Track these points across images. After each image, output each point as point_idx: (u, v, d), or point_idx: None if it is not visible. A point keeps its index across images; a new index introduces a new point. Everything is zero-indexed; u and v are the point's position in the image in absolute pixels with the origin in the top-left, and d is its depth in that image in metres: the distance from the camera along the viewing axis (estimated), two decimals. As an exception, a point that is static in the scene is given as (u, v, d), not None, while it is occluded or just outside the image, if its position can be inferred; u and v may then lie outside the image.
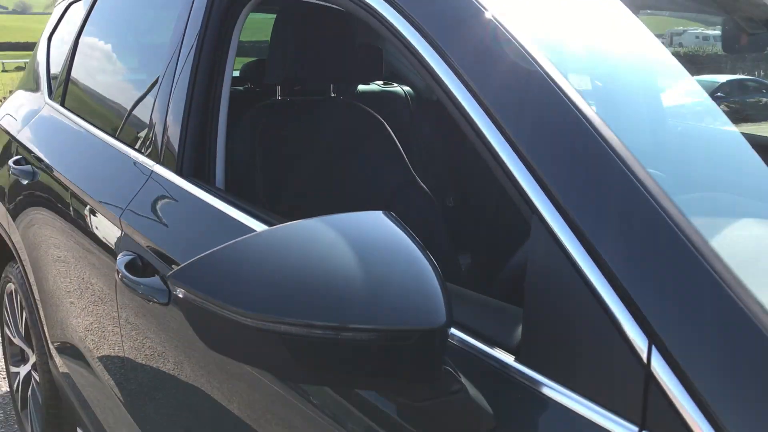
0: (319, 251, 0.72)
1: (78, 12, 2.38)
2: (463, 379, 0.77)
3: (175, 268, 1.06)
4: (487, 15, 0.94)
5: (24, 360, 2.69)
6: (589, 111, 0.82)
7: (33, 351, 2.50)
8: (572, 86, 0.85)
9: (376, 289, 0.70)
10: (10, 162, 2.30)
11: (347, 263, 0.71)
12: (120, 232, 1.54)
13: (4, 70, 47.35)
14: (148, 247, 1.42)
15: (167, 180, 1.48)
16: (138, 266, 1.42)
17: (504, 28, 0.92)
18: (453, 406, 0.75)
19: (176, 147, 1.48)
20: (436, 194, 2.00)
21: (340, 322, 0.68)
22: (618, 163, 0.77)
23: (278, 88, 1.87)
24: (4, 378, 3.28)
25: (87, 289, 1.79)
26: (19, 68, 50.35)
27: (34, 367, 2.51)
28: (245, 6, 1.50)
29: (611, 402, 0.70)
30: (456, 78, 0.92)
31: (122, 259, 1.45)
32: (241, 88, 2.32)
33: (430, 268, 0.71)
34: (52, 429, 2.41)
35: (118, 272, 1.42)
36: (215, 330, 0.73)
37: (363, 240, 0.74)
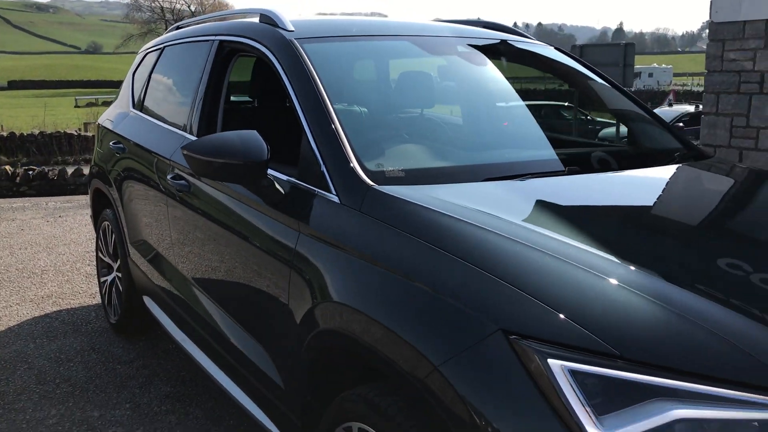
0: (228, 139, 2.28)
1: (151, 58, 4.05)
2: (276, 183, 2.31)
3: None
4: (309, 76, 2.49)
5: (110, 272, 4.32)
6: (329, 106, 2.35)
7: (117, 261, 4.13)
8: (328, 98, 2.38)
9: (247, 148, 2.25)
10: (110, 143, 3.98)
11: (238, 142, 2.26)
12: (170, 165, 3.14)
13: (76, 106, 50.61)
14: (182, 168, 3.02)
15: (191, 138, 3.07)
16: (177, 177, 3.02)
17: (313, 80, 2.47)
18: (268, 187, 2.30)
19: (197, 124, 3.07)
20: None
21: (232, 158, 2.23)
22: (329, 120, 2.31)
23: (255, 100, 3.48)
24: (94, 298, 4.93)
25: (151, 205, 3.40)
26: (90, 104, 53.11)
27: (118, 269, 4.14)
28: (232, 58, 3.09)
29: (318, 184, 2.24)
30: (296, 98, 2.46)
31: (170, 175, 3.06)
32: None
33: (265, 145, 2.26)
34: (127, 306, 4.02)
35: (168, 182, 3.03)
36: (196, 165, 2.30)
37: (245, 137, 2.29)
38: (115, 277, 4.22)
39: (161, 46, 3.93)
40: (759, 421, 1.36)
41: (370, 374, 1.93)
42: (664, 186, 2.42)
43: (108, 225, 4.23)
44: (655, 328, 1.47)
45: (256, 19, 2.97)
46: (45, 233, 7.10)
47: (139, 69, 4.22)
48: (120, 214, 3.92)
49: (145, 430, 3.13)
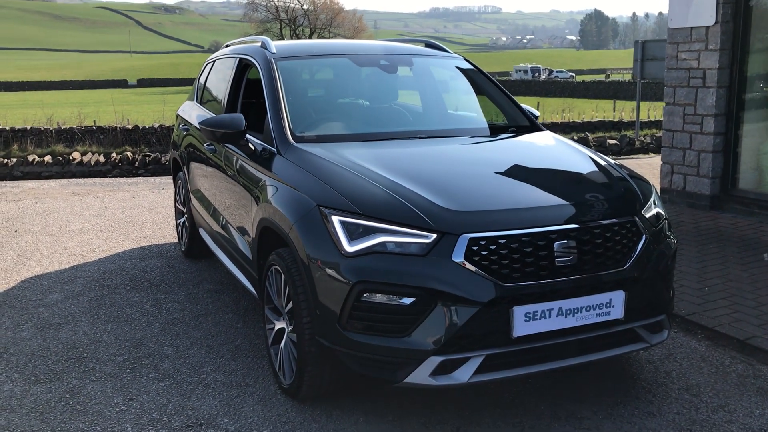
0: (224, 118, 4.03)
1: (208, 67, 5.89)
2: (250, 143, 4.03)
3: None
4: (275, 81, 4.19)
5: (181, 216, 6.21)
6: (281, 99, 4.05)
7: (185, 207, 6.01)
8: (282, 95, 4.07)
9: (232, 123, 3.98)
10: (180, 125, 5.87)
11: (228, 119, 4.00)
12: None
13: (195, 102, 54.92)
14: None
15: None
16: (210, 144, 4.81)
17: (275, 84, 4.16)
18: (245, 146, 4.03)
19: (225, 110, 4.83)
20: None
21: (225, 129, 3.97)
22: (279, 108, 4.00)
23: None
24: (176, 239, 6.86)
25: (199, 163, 5.23)
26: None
27: (187, 213, 6.01)
28: (247, 69, 4.83)
29: (271, 144, 3.93)
30: (266, 94, 4.15)
31: (206, 143, 4.86)
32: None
33: (243, 121, 3.98)
34: (190, 237, 5.88)
35: (205, 147, 4.84)
36: (207, 134, 4.08)
37: (233, 117, 4.02)
38: (185, 219, 6.11)
39: (214, 59, 5.76)
40: (416, 242, 2.96)
41: (282, 244, 3.61)
42: (467, 145, 3.97)
43: (180, 183, 6.12)
44: (379, 201, 3.09)
45: (259, 44, 4.69)
46: (150, 200, 9.20)
47: (201, 74, 6.08)
48: (186, 173, 5.79)
49: (191, 305, 4.95)
